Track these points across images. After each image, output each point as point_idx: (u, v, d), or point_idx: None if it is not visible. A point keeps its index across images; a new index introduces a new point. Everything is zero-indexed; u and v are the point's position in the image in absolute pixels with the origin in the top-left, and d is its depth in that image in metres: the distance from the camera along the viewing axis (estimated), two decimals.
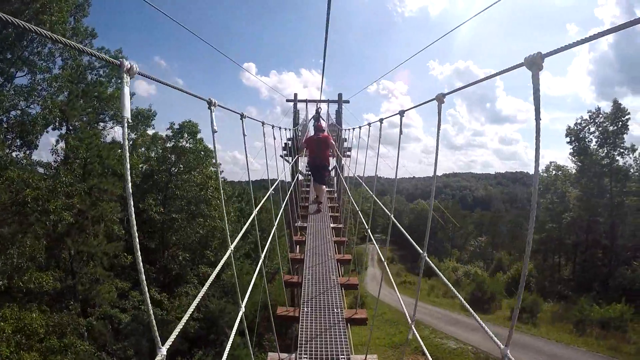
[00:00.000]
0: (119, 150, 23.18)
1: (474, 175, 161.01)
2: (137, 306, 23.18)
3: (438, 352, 19.14)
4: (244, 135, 4.22)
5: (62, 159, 20.61)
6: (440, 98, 2.62)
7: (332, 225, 8.94)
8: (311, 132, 11.96)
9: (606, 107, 32.06)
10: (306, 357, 4.07)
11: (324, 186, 10.50)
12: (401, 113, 3.68)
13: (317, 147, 9.62)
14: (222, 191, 5.38)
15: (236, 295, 3.45)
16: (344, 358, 4.08)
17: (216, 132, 2.81)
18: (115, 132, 29.14)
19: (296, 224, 9.50)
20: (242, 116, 4.05)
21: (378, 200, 5.30)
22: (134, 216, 1.51)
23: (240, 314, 3.20)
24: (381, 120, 5.06)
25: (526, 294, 25.62)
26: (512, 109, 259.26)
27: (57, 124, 20.86)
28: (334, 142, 10.39)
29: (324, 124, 14.65)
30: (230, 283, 26.51)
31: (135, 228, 1.53)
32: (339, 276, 6.22)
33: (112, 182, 19.74)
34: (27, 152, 19.82)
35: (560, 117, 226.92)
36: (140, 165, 27.97)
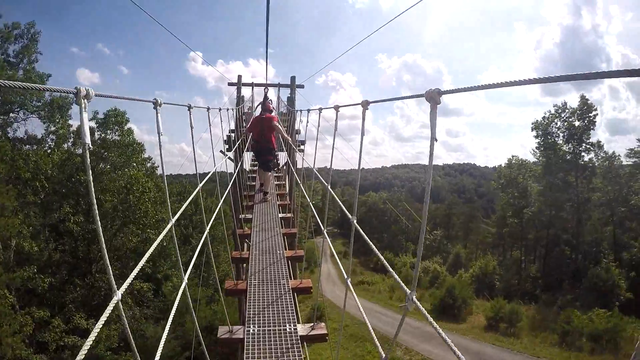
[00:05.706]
0: (25, 147, 18.46)
1: (423, 167, 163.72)
2: (61, 337, 19.30)
3: None
4: (192, 127, 3.91)
5: None
6: (364, 104, 2.69)
7: (280, 215, 8.18)
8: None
9: (550, 103, 31.40)
10: (255, 327, 4.08)
11: (270, 172, 9.56)
12: (364, 104, 3.02)
13: (261, 127, 8.81)
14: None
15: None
16: (292, 326, 4.13)
17: (162, 135, 2.66)
18: (27, 126, 24.14)
19: (240, 216, 8.17)
20: (190, 107, 3.74)
21: (335, 195, 4.48)
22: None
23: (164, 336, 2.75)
24: (337, 108, 4.32)
25: (502, 301, 23.76)
26: (459, 102, 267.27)
27: None
28: (280, 125, 9.34)
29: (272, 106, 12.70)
30: (170, 301, 22.48)
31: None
32: (290, 278, 5.79)
33: (6, 190, 14.94)
34: None
35: (505, 111, 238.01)
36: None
